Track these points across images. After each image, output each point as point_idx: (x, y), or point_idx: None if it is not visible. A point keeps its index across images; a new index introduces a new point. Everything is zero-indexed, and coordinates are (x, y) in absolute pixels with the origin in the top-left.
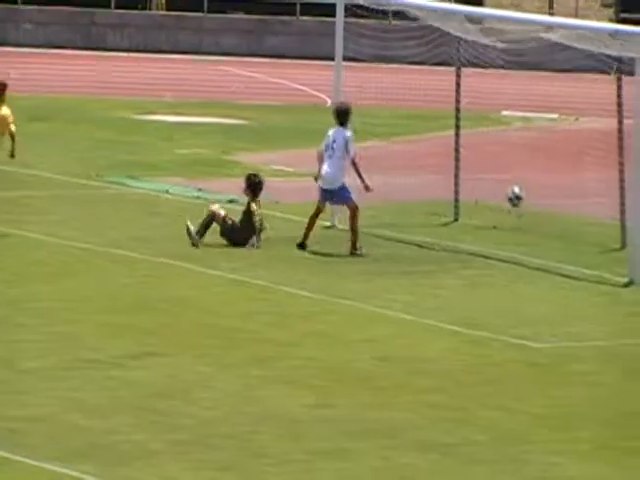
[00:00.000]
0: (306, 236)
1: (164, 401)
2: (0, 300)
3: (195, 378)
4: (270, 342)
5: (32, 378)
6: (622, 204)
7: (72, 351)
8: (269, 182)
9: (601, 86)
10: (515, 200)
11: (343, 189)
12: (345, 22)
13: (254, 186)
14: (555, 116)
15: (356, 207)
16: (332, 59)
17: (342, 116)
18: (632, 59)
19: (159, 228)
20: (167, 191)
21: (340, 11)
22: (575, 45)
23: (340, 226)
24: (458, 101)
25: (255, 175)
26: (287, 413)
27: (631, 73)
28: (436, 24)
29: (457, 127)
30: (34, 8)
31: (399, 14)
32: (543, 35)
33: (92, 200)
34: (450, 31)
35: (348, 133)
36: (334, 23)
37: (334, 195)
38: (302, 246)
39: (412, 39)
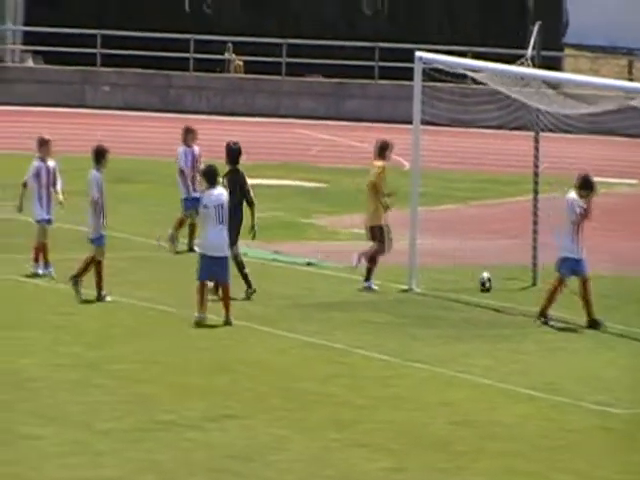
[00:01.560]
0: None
1: (241, 463)
2: (79, 362)
3: (272, 441)
4: (347, 405)
5: (108, 439)
6: None
7: (149, 413)
8: (347, 245)
9: None
10: (487, 283)
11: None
12: (423, 86)
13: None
14: (635, 182)
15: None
16: (410, 122)
17: None
18: None
19: (236, 291)
20: (245, 254)
21: (418, 75)
22: None
23: (418, 290)
24: (536, 166)
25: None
26: (363, 477)
27: None
28: (514, 95)
29: (535, 192)
30: (112, 70)
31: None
32: (623, 101)
33: (171, 262)
34: (531, 103)
35: None
36: (412, 86)
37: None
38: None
39: (490, 103)
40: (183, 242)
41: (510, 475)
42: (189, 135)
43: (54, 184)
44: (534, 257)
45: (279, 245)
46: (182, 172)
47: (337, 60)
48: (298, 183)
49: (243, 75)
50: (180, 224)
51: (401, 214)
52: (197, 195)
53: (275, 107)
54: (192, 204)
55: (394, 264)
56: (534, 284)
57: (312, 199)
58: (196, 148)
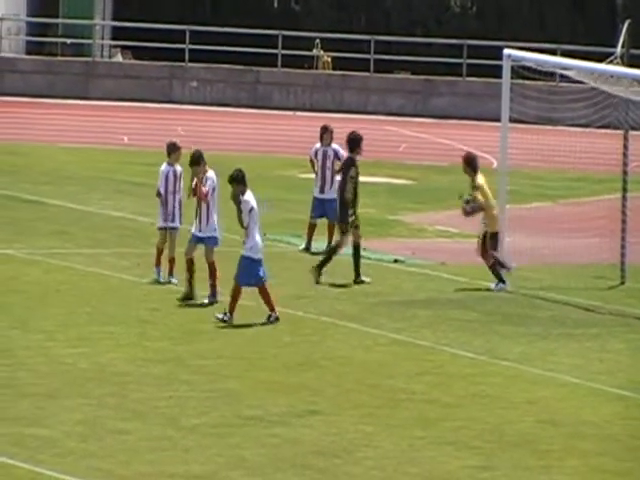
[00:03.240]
0: None
1: (327, 460)
2: (166, 357)
3: (358, 437)
4: (433, 403)
5: (195, 435)
6: None
7: (235, 408)
8: (434, 242)
9: None
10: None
11: None
12: (511, 83)
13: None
14: None
15: None
16: (498, 120)
17: None
18: None
19: (321, 287)
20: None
21: (506, 72)
22: None
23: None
24: (626, 164)
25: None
26: (450, 475)
27: None
28: (603, 87)
29: (624, 190)
30: (201, 66)
31: (566, 76)
32: None
33: None
34: (619, 95)
35: None
36: (500, 84)
37: None
38: None
39: (579, 101)
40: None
41: (599, 474)
42: (326, 134)
43: (179, 191)
44: (622, 255)
45: (367, 242)
46: (315, 171)
47: (425, 57)
48: (386, 180)
49: (331, 71)
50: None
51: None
52: (324, 196)
53: (363, 104)
54: (320, 205)
55: (481, 262)
56: (622, 282)
57: (399, 196)
58: (333, 147)
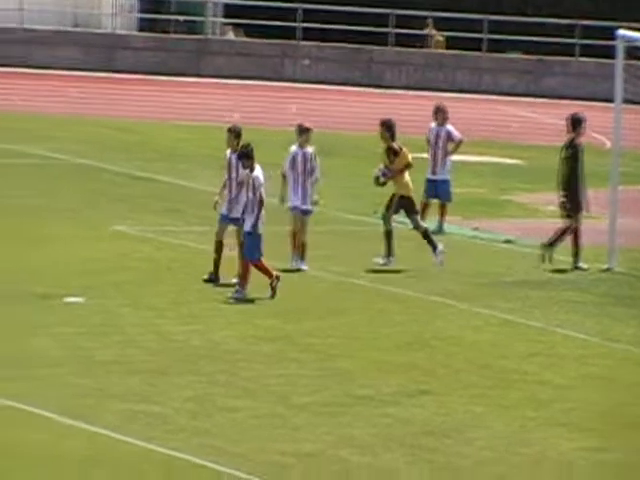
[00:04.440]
0: None
1: (437, 440)
2: (276, 335)
3: (469, 418)
4: (545, 384)
5: (305, 413)
6: None
7: (345, 387)
8: (546, 223)
9: None
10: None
11: None
12: (625, 64)
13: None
14: None
15: None
16: (611, 101)
17: None
18: None
19: (431, 267)
20: (444, 230)
21: (620, 53)
22: None
23: (618, 269)
24: None
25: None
26: (562, 456)
27: None
28: None
29: None
30: (313, 44)
31: None
32: None
33: (364, 237)
34: None
35: None
36: (614, 65)
37: None
38: None
39: None
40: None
41: None
42: (439, 114)
43: (311, 173)
44: None
45: (478, 222)
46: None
47: (538, 37)
48: (497, 160)
49: (444, 51)
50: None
51: (601, 193)
52: (436, 177)
53: (475, 83)
54: (432, 186)
55: (594, 244)
56: None
57: (511, 176)
58: (446, 127)
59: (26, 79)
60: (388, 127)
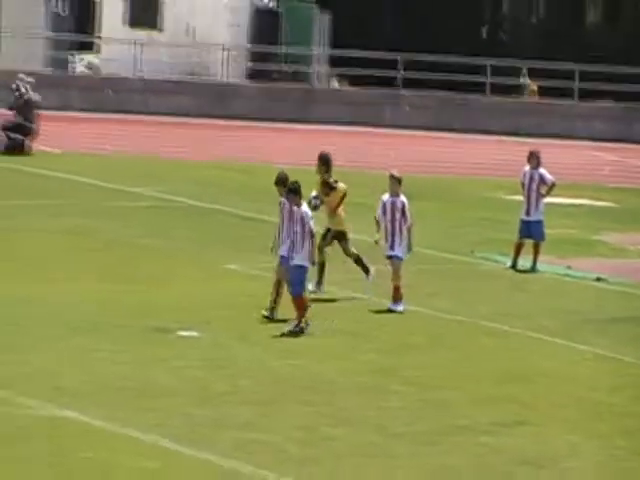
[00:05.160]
0: None
1: (532, 469)
2: (375, 368)
3: (563, 448)
4: (634, 415)
5: (403, 442)
6: None
7: (442, 418)
8: (635, 262)
9: None
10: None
11: None
12: None
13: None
14: None
15: None
16: None
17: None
18: None
19: (527, 304)
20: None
21: None
22: None
23: None
24: None
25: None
26: None
27: None
28: None
29: None
30: (413, 92)
31: None
32: None
33: (462, 274)
34: None
35: None
36: None
37: None
38: None
39: None
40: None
41: None
42: (533, 158)
43: (402, 221)
44: None
45: (570, 261)
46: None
47: (628, 85)
48: (589, 202)
49: (538, 99)
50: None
51: None
52: (530, 218)
53: (568, 129)
54: (526, 226)
55: None
56: None
57: (602, 217)
58: (539, 171)
59: (143, 125)
60: (325, 161)
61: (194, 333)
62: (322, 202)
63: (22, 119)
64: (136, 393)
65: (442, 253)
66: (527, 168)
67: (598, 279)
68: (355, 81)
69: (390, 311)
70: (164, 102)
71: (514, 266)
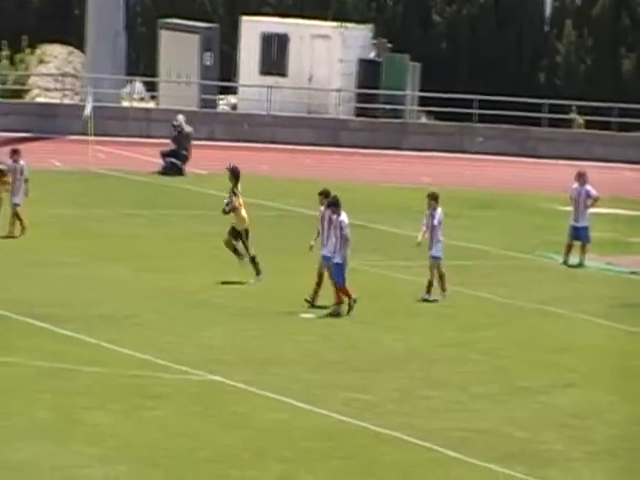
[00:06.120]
0: None
1: (580, 421)
2: (456, 341)
3: (604, 404)
4: None
5: (479, 400)
6: None
7: (508, 380)
8: None
9: None
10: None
11: None
12: None
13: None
14: None
15: None
16: None
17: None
18: None
19: (575, 292)
20: (581, 264)
21: None
22: None
23: None
24: None
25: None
26: None
27: None
28: None
29: None
30: (485, 126)
31: None
32: None
33: (524, 269)
34: None
35: None
36: None
37: None
38: None
39: None
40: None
41: None
42: (580, 177)
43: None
44: None
45: (610, 258)
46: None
47: None
48: (626, 212)
49: (584, 130)
50: (568, 248)
51: None
52: (578, 224)
53: (609, 155)
54: (575, 231)
55: None
56: None
57: (636, 224)
58: (586, 187)
59: (272, 152)
60: (234, 174)
61: (312, 315)
62: (234, 207)
63: (178, 147)
64: (268, 362)
65: (509, 252)
66: (575, 185)
67: (633, 272)
68: (439, 116)
69: (424, 300)
70: (289, 134)
71: (565, 262)
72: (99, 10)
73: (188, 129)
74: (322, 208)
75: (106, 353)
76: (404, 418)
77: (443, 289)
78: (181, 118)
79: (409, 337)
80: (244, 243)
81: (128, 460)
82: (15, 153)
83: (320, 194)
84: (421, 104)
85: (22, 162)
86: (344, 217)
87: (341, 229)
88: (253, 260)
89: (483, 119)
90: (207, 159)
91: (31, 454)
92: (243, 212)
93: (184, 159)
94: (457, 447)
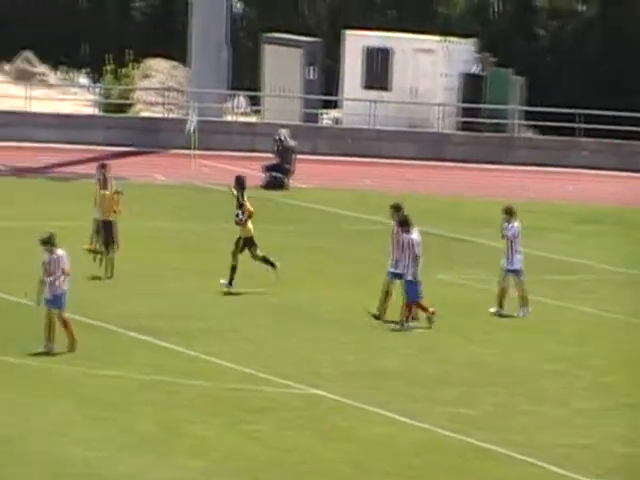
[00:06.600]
0: None
1: None
2: (557, 356)
3: None
4: None
5: (582, 415)
6: None
7: (611, 396)
8: None
9: None
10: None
11: None
12: None
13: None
14: None
15: None
16: None
17: None
18: None
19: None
20: None
21: None
22: None
23: None
24: None
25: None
26: None
27: None
28: None
29: None
30: (590, 140)
31: None
32: None
33: (629, 283)
34: None
35: None
36: None
37: None
38: None
39: None
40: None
41: None
42: None
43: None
44: None
45: None
46: None
47: None
48: None
49: None
50: None
51: None
52: None
53: None
54: None
55: None
56: None
57: None
58: None
59: (375, 166)
60: (239, 183)
61: (410, 328)
62: (246, 217)
63: (282, 161)
64: (367, 375)
65: (613, 267)
66: None
67: None
68: (543, 131)
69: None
70: (393, 148)
71: None
72: (203, 24)
73: (291, 143)
74: (394, 223)
75: (207, 366)
76: (506, 433)
77: (500, 305)
78: (285, 132)
79: (509, 351)
80: (251, 251)
81: (229, 473)
82: (103, 167)
83: (391, 207)
84: (525, 118)
85: (110, 175)
86: (415, 235)
87: (411, 247)
88: (265, 259)
89: (588, 133)
90: (310, 173)
91: (133, 467)
92: (249, 223)
93: (287, 173)
94: (560, 463)
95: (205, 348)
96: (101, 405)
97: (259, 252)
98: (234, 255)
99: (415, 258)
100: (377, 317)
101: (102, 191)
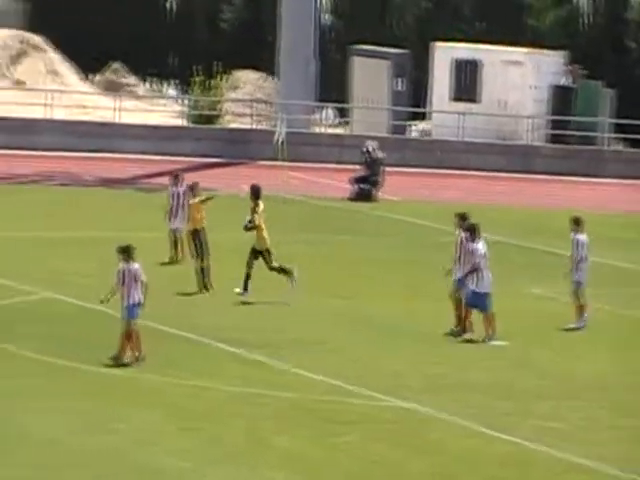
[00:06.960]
0: None
1: None
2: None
3: None
4: None
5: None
6: None
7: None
8: None
9: None
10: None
11: None
12: None
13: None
14: None
15: None
16: None
17: None
18: None
19: None
20: None
21: None
22: None
23: None
24: None
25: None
26: None
27: None
28: None
29: None
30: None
31: None
32: None
33: None
34: None
35: None
36: None
37: None
38: None
39: None
40: None
41: None
42: None
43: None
44: None
45: None
46: None
47: None
48: None
49: None
50: None
51: None
52: None
53: None
54: None
55: None
56: None
57: None
58: None
59: (462, 178)
60: (254, 191)
61: (504, 343)
62: (255, 225)
63: (370, 173)
64: (455, 388)
65: None
66: None
67: None
68: (633, 144)
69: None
70: (482, 160)
71: None
72: (291, 36)
73: (380, 155)
74: (457, 232)
75: (295, 378)
76: (596, 447)
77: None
78: (373, 144)
79: (600, 365)
80: (267, 263)
81: None
82: (176, 178)
83: (456, 216)
84: (615, 131)
85: (182, 188)
86: (480, 245)
87: (473, 256)
88: (281, 269)
89: None
90: (398, 185)
91: (221, 479)
92: (264, 232)
93: (375, 185)
94: None
95: (294, 360)
96: (190, 415)
97: (275, 263)
98: (270, 268)
99: (473, 268)
100: (454, 334)
101: (192, 200)
